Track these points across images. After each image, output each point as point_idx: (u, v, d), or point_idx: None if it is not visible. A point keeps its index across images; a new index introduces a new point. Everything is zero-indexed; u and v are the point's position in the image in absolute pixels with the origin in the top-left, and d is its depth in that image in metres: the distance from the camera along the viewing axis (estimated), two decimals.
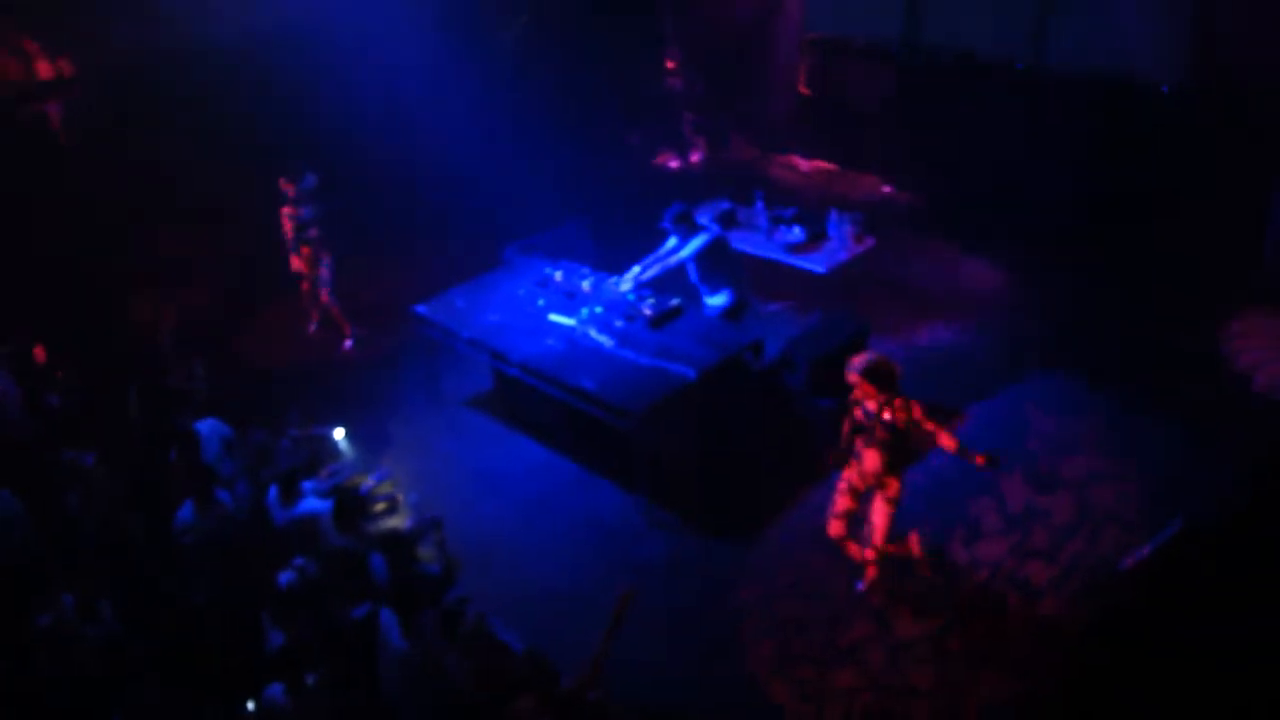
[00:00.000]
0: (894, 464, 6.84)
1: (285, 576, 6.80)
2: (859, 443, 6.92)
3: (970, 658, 6.82)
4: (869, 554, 7.20)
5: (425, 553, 7.50)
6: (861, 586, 7.43)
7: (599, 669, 5.56)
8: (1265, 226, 10.14)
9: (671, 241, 9.25)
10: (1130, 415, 8.87)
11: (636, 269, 9.35)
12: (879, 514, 6.99)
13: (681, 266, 9.17)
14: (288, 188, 10.71)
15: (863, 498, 7.12)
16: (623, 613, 5.64)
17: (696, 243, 9.00)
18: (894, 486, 6.90)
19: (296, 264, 11.06)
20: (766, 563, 7.92)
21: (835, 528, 7.25)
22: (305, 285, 11.26)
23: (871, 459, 6.85)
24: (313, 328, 11.59)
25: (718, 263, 9.16)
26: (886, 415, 6.62)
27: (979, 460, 6.44)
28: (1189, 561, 6.66)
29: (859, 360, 6.73)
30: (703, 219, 9.62)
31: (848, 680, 6.81)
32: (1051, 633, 6.86)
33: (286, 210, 10.79)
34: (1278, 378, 9.01)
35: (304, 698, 5.81)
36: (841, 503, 7.16)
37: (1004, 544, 7.64)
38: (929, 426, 6.56)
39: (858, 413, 6.84)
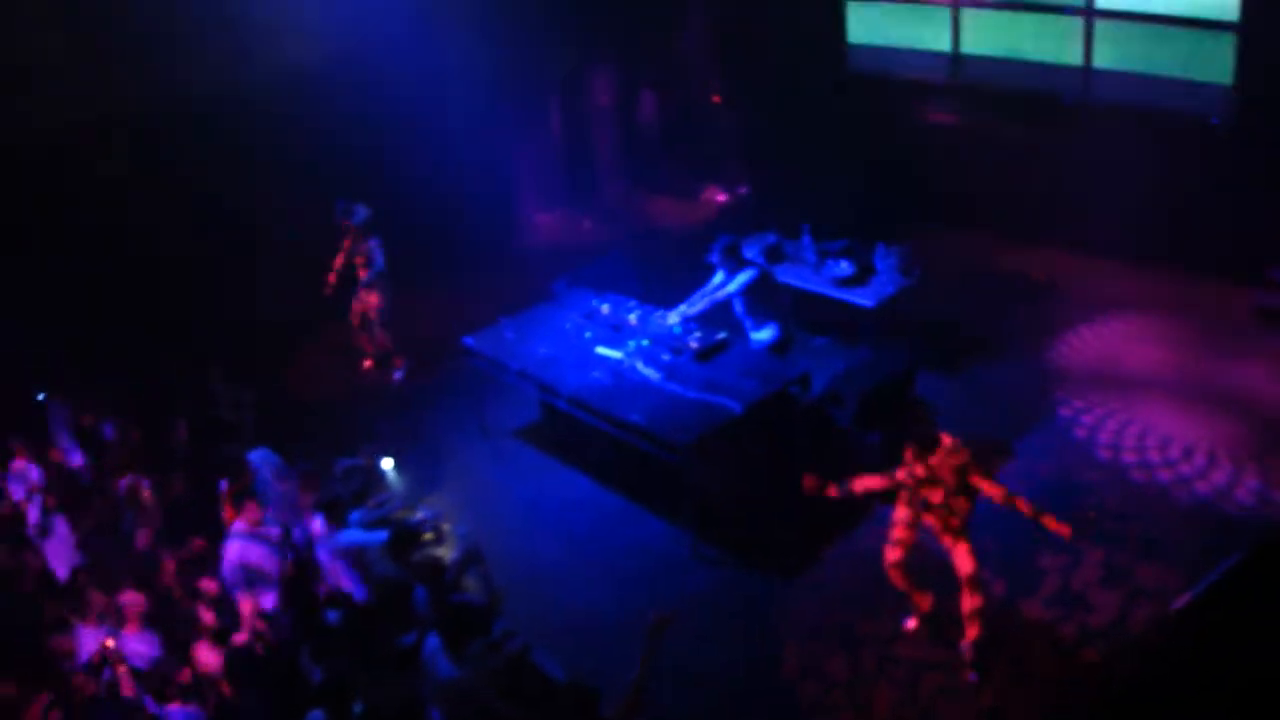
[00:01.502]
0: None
1: (331, 615, 6.82)
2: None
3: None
4: (970, 626, 6.88)
5: (470, 583, 7.52)
6: (910, 624, 7.34)
7: (638, 698, 5.51)
8: None
9: (719, 276, 9.26)
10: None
11: (684, 306, 9.37)
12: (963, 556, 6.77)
13: (728, 300, 9.18)
14: (345, 223, 10.85)
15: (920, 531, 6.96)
16: (657, 639, 5.58)
17: (743, 277, 9.00)
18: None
19: (359, 299, 11.18)
20: (811, 596, 7.86)
21: (892, 556, 7.04)
22: (358, 318, 11.35)
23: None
24: (368, 362, 11.66)
25: (764, 297, 9.16)
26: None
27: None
28: (1242, 599, 6.45)
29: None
30: (749, 253, 9.63)
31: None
32: None
33: (346, 244, 10.93)
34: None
35: None
36: (900, 534, 6.99)
37: (1043, 614, 7.36)
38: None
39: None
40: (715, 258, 9.15)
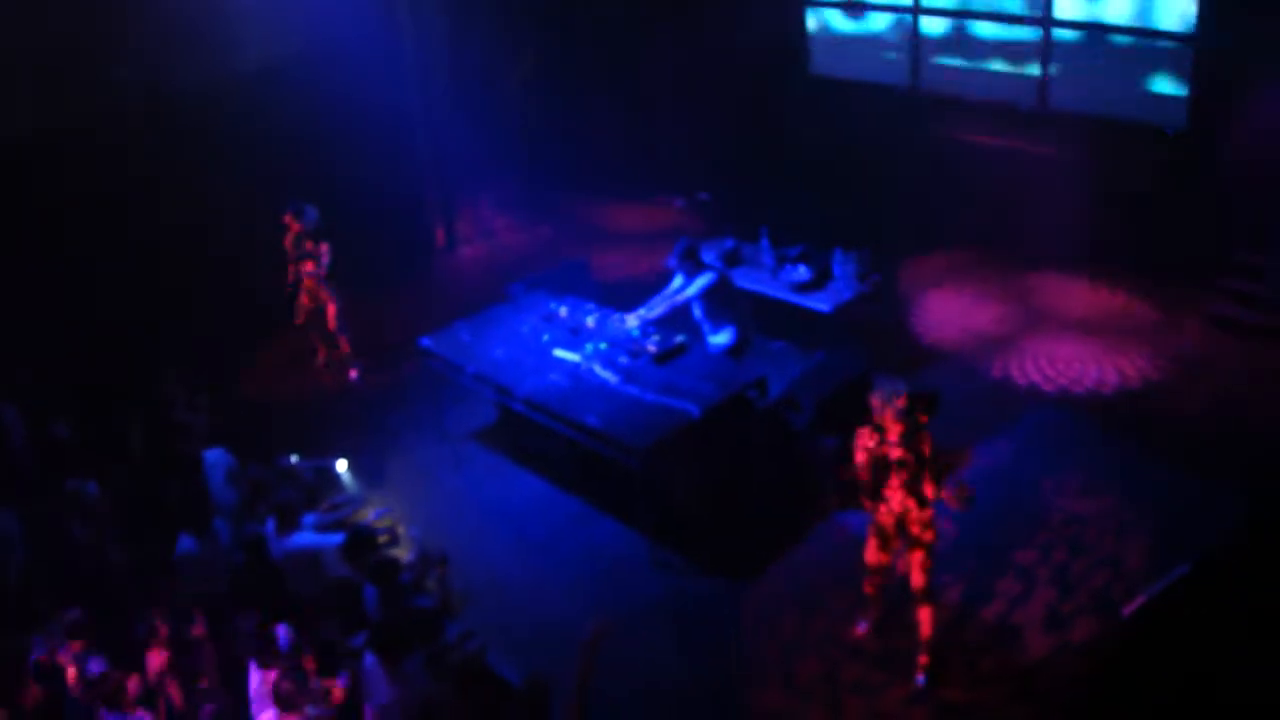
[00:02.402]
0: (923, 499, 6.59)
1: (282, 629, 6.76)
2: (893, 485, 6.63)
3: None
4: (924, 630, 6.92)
5: (429, 585, 7.48)
6: (864, 628, 7.39)
7: (583, 703, 5.49)
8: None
9: (678, 280, 9.28)
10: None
11: (643, 309, 9.38)
12: (917, 568, 6.73)
13: (687, 304, 9.20)
14: (293, 224, 10.79)
15: (892, 542, 6.87)
16: (595, 650, 5.56)
17: (702, 281, 9.02)
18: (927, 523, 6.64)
19: (304, 298, 11.12)
20: (768, 600, 7.89)
21: (872, 558, 7.00)
22: (304, 318, 11.32)
23: (901, 498, 6.63)
24: (321, 360, 11.60)
25: (722, 301, 9.19)
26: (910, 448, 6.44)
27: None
28: (1191, 606, 6.55)
29: (896, 392, 6.37)
30: (708, 256, 9.65)
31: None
32: None
33: (293, 244, 10.88)
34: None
35: None
36: (875, 544, 6.94)
37: (1000, 607, 7.48)
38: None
39: (892, 452, 6.49)
40: (674, 261, 9.17)
